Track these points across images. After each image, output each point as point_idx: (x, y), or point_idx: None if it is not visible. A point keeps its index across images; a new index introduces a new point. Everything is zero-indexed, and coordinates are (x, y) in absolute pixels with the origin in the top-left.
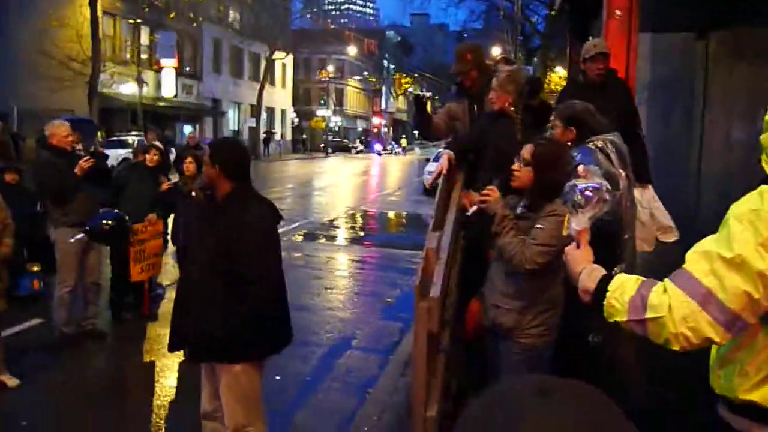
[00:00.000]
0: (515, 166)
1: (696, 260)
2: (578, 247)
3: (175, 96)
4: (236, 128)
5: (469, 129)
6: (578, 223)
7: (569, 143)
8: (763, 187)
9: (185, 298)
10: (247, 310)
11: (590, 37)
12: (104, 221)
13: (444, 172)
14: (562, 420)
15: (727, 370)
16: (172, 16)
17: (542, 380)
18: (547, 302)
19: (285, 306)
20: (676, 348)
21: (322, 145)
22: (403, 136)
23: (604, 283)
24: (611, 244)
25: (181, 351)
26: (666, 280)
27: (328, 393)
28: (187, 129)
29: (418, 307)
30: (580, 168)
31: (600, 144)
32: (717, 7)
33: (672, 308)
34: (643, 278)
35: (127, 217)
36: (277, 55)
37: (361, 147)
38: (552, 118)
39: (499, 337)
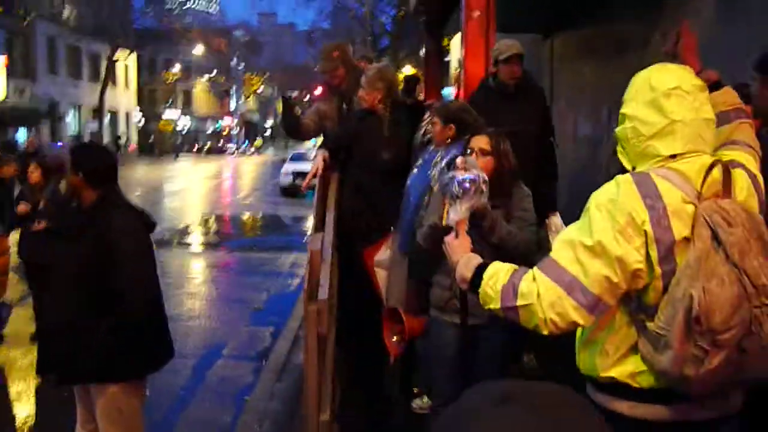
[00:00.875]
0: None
1: (561, 249)
2: (456, 237)
3: (6, 98)
4: (77, 132)
5: (339, 128)
6: (456, 213)
7: (448, 140)
8: (619, 177)
9: (50, 317)
10: (121, 326)
11: (446, 38)
12: None
13: (319, 172)
14: (522, 426)
15: (590, 351)
16: None
17: (504, 386)
18: None
19: (163, 319)
20: (546, 332)
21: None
22: (258, 136)
23: (480, 271)
24: None
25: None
26: (535, 268)
27: (204, 404)
28: (21, 134)
29: (307, 310)
30: (459, 160)
31: None
32: (559, 10)
33: (540, 295)
34: (517, 266)
35: None
36: (119, 54)
37: (233, 147)
38: (427, 116)
39: (479, 331)
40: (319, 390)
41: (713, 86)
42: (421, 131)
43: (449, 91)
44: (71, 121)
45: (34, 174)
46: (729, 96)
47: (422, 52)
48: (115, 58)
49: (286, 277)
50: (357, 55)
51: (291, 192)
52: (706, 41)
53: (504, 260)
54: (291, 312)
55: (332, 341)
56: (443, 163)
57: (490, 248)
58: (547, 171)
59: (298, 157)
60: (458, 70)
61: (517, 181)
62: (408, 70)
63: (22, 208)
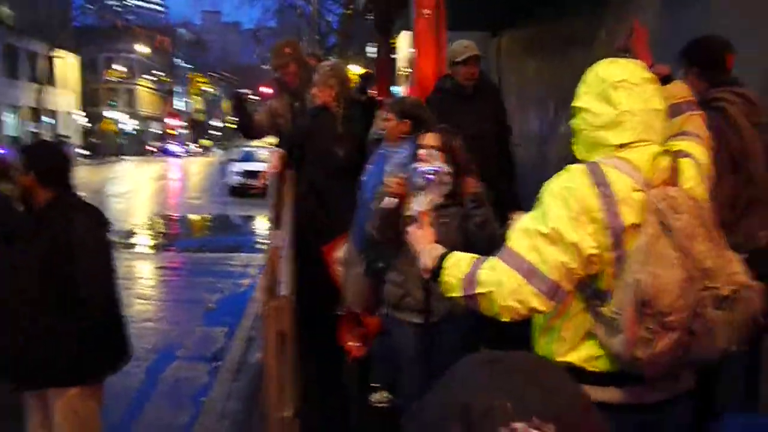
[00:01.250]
0: (422, 153)
1: (518, 237)
2: (421, 227)
3: None
4: (16, 134)
5: (293, 126)
6: (420, 204)
7: (403, 135)
8: (571, 166)
9: (5, 321)
10: (80, 329)
11: (394, 36)
12: None
13: (277, 170)
14: (511, 381)
15: (547, 337)
16: None
17: (488, 353)
18: None
19: (121, 320)
20: (506, 319)
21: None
22: (206, 136)
23: (441, 261)
24: None
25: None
26: (494, 257)
27: (161, 407)
28: None
29: (268, 306)
30: (421, 151)
31: None
32: (507, 8)
33: (501, 283)
34: (478, 256)
35: None
36: (58, 53)
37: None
38: (380, 112)
39: (439, 326)
40: (281, 388)
41: (664, 79)
42: (374, 127)
43: (398, 90)
44: (10, 123)
45: None
46: (680, 88)
47: (369, 50)
48: (54, 55)
49: (237, 276)
50: (305, 53)
51: (240, 192)
52: (650, 36)
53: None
54: (244, 312)
55: (292, 338)
56: (399, 158)
57: (461, 243)
58: (506, 169)
59: (248, 157)
60: (407, 69)
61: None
62: (356, 68)
63: None
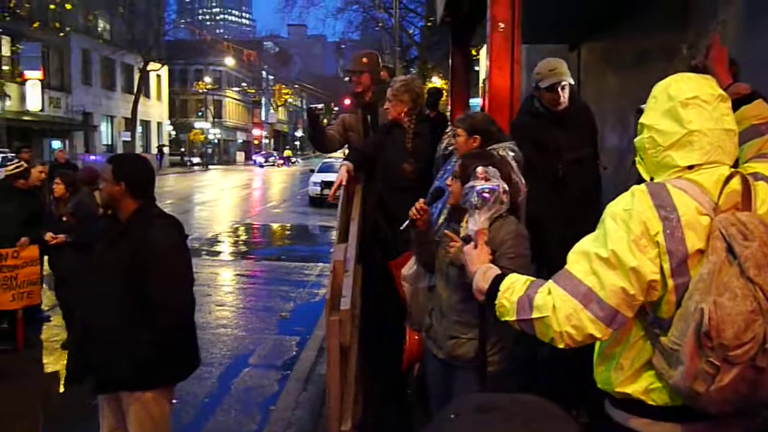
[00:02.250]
0: (447, 182)
1: (576, 261)
2: (475, 247)
3: (42, 110)
4: (110, 143)
5: (365, 139)
6: (475, 223)
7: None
8: (635, 187)
9: (88, 326)
10: (157, 334)
11: (474, 49)
12: None
13: (343, 183)
14: (498, 429)
15: (606, 366)
16: (35, 25)
17: (487, 397)
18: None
19: (193, 328)
20: (561, 345)
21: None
22: (287, 147)
23: (496, 283)
24: None
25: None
26: (550, 281)
27: (229, 414)
28: (56, 145)
29: (330, 320)
30: (479, 169)
31: (501, 152)
32: (585, 22)
33: (556, 308)
34: (534, 278)
35: None
36: (152, 66)
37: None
38: (450, 128)
39: (455, 369)
40: (341, 400)
41: (745, 99)
42: (443, 143)
43: (477, 102)
44: (104, 132)
45: (58, 187)
46: (761, 108)
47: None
48: (147, 69)
49: (312, 286)
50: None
51: (319, 202)
52: (732, 54)
53: None
54: (317, 321)
55: (355, 351)
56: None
57: None
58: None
59: (327, 168)
60: (485, 82)
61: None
62: (436, 80)
63: (49, 237)
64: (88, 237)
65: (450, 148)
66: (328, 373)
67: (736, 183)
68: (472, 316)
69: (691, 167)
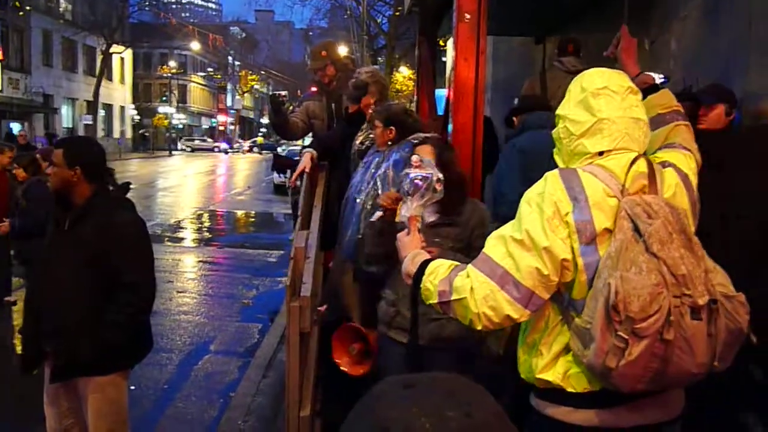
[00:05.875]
0: (414, 159)
1: (493, 245)
2: (408, 233)
3: (0, 91)
4: (71, 126)
5: (329, 132)
6: (408, 210)
7: (390, 142)
8: (548, 173)
9: (47, 311)
10: (123, 316)
11: (442, 40)
12: None
13: (306, 170)
14: (429, 401)
15: (528, 354)
16: None
17: (409, 376)
18: None
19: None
20: (479, 327)
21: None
22: (260, 134)
23: (423, 267)
24: None
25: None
26: (469, 265)
27: (189, 400)
28: (15, 127)
29: (290, 306)
30: (414, 158)
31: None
32: (551, 16)
33: (473, 290)
34: (458, 263)
35: None
36: (115, 48)
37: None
38: (366, 124)
39: (434, 352)
40: (301, 386)
41: (651, 89)
42: (358, 139)
43: (443, 93)
44: (65, 115)
45: (17, 171)
46: (666, 98)
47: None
48: (110, 52)
49: (276, 274)
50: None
51: (284, 189)
52: (694, 48)
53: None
54: (280, 309)
55: (315, 338)
56: (389, 163)
57: (453, 250)
58: None
59: (292, 155)
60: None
61: (466, 195)
62: (404, 70)
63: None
64: (29, 223)
65: (366, 143)
66: (287, 359)
67: (641, 166)
68: None
69: (601, 153)
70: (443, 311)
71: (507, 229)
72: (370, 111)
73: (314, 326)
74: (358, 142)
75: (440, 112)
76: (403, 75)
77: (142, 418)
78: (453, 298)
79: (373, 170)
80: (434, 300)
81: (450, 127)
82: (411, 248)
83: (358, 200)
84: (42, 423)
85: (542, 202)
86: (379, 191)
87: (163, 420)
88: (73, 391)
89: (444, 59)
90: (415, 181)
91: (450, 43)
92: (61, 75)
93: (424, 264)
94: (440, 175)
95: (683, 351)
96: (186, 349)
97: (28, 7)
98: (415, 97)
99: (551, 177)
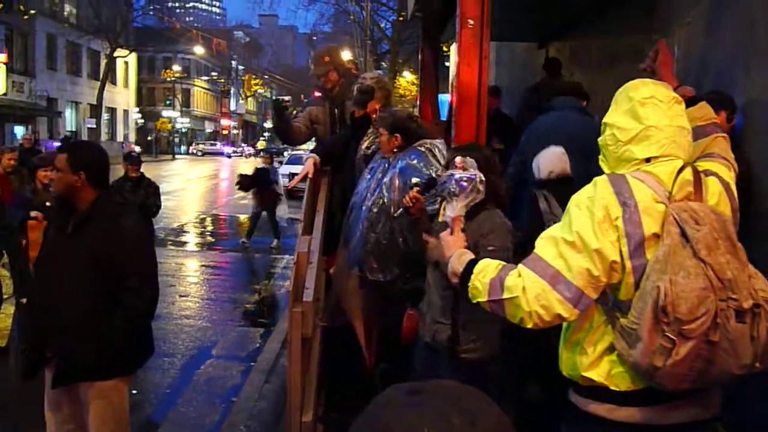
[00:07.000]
0: (458, 160)
1: (544, 246)
2: (452, 233)
3: (4, 94)
4: (74, 129)
5: (333, 137)
6: (453, 210)
7: (395, 150)
8: (596, 178)
9: (50, 316)
10: (128, 321)
11: (445, 45)
12: None
13: (310, 175)
14: (433, 407)
15: (571, 352)
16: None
17: (416, 383)
18: (485, 313)
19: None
20: (530, 326)
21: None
22: (262, 138)
23: (470, 266)
24: None
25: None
26: (520, 265)
27: (191, 405)
28: (19, 130)
29: (292, 311)
30: (458, 159)
31: (428, 146)
32: (555, 21)
33: (525, 288)
34: (505, 263)
35: None
36: (119, 52)
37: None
38: (372, 129)
39: (438, 354)
40: (303, 391)
41: (689, 101)
42: (365, 144)
43: (447, 97)
44: (69, 118)
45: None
46: (705, 111)
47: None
48: (114, 56)
49: (278, 278)
50: (356, 60)
51: (286, 194)
52: (695, 54)
53: None
54: (282, 313)
55: (317, 343)
56: (396, 170)
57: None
58: None
59: (295, 160)
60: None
61: (487, 205)
62: (407, 75)
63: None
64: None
65: (372, 147)
66: (289, 364)
67: (688, 174)
68: (453, 302)
69: (648, 160)
70: (491, 309)
71: (557, 230)
72: (375, 116)
73: (316, 331)
74: (364, 146)
75: (443, 116)
76: (407, 80)
77: (143, 423)
78: (505, 296)
79: (379, 176)
80: (483, 298)
81: (453, 131)
82: (455, 248)
83: (363, 207)
84: (42, 428)
85: (592, 206)
86: (385, 199)
87: (165, 424)
88: (74, 396)
89: (447, 64)
90: (461, 182)
91: (453, 48)
92: (65, 79)
93: (471, 263)
94: (483, 177)
95: (727, 352)
96: (188, 353)
97: (32, 11)
98: (418, 101)
99: (601, 182)
